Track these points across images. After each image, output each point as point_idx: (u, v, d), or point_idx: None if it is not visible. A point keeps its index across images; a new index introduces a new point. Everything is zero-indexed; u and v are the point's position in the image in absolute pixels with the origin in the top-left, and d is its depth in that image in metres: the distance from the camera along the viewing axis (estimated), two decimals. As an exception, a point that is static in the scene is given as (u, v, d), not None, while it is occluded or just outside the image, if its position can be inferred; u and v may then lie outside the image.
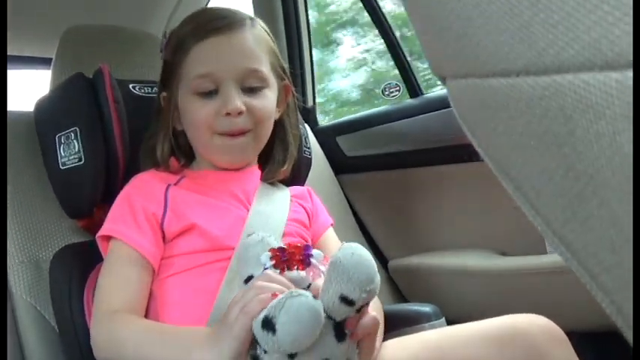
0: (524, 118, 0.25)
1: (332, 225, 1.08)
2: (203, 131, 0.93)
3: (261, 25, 0.98)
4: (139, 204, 0.90)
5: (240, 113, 0.90)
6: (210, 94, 0.92)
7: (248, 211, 0.95)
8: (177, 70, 0.94)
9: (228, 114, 0.90)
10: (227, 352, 0.67)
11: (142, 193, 0.92)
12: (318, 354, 0.65)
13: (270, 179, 1.03)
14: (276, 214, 0.96)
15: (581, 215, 0.25)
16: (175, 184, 0.95)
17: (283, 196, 1.03)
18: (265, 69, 0.94)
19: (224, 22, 0.92)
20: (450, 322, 1.04)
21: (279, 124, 1.02)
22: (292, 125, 1.06)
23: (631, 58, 0.20)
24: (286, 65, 1.04)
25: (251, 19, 0.97)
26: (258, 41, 0.95)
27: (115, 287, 0.85)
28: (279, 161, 1.03)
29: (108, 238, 0.90)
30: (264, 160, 1.04)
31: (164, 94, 0.99)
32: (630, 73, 0.20)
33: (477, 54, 0.26)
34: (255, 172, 1.02)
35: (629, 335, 0.28)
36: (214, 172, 0.98)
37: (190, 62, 0.92)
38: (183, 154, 1.02)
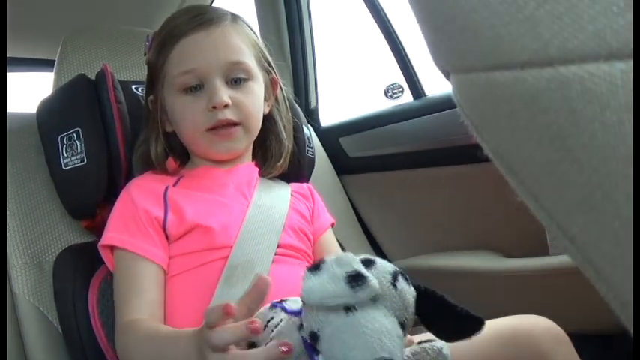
0: (528, 111, 0.25)
1: (332, 225, 1.08)
2: (192, 128, 0.93)
3: (244, 22, 0.98)
4: (139, 209, 0.89)
5: (226, 106, 0.90)
6: (195, 89, 0.91)
7: (248, 203, 0.94)
8: (161, 71, 0.94)
9: (214, 107, 0.89)
10: None
11: (141, 198, 0.91)
12: None
13: (268, 174, 1.03)
14: (276, 208, 0.96)
15: (585, 208, 0.25)
16: (174, 186, 0.94)
17: (284, 191, 1.03)
18: (249, 61, 0.94)
19: (204, 18, 0.92)
20: (453, 323, 1.04)
21: (270, 119, 1.02)
22: (283, 118, 1.05)
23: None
24: (272, 59, 1.03)
25: (233, 15, 0.96)
26: (240, 35, 0.94)
27: (129, 297, 0.84)
28: (274, 156, 1.03)
29: (112, 247, 0.90)
30: (261, 156, 1.04)
31: (151, 97, 0.98)
32: (635, 63, 0.20)
33: (481, 47, 0.26)
34: (252, 167, 1.02)
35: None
36: (211, 169, 0.98)
37: (173, 60, 0.92)
38: (177, 155, 1.01)
